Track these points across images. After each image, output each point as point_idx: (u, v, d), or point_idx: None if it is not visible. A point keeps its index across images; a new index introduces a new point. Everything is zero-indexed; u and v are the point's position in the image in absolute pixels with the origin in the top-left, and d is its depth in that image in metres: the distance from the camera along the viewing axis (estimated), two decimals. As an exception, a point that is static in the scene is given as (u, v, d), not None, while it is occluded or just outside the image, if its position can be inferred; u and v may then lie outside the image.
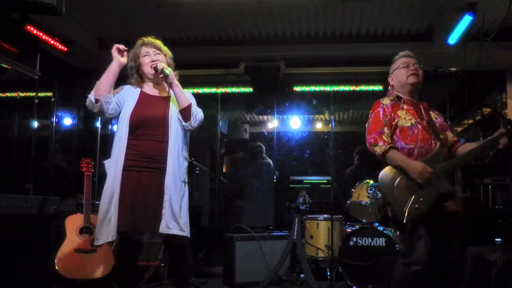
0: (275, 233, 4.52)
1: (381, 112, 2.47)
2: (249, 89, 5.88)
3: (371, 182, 4.20)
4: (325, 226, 4.28)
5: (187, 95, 2.52)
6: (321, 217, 4.38)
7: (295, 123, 7.03)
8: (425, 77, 2.55)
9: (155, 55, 2.55)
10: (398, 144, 2.42)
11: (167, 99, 2.51)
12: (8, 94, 5.10)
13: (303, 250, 4.19)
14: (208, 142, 7.13)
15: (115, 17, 4.54)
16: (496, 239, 3.43)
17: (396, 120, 2.45)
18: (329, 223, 4.19)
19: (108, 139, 5.74)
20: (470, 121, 5.58)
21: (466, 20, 4.01)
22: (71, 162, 5.55)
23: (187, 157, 2.57)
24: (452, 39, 4.38)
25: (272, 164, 6.06)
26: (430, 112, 2.54)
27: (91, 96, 2.39)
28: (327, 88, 5.84)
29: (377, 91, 5.58)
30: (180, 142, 2.48)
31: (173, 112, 2.48)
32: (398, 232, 3.80)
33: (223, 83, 5.91)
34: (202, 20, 4.62)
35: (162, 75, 2.47)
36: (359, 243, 3.90)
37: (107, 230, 2.31)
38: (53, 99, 5.32)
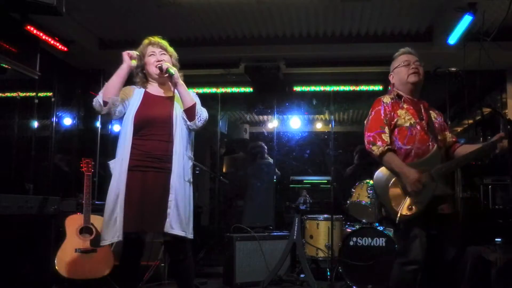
0: (275, 233, 4.52)
1: (382, 111, 2.45)
2: (249, 89, 5.88)
3: (371, 182, 4.16)
4: (325, 226, 4.28)
5: (191, 95, 2.52)
6: (321, 217, 4.38)
7: (295, 123, 7.03)
8: (425, 77, 2.53)
9: (160, 55, 2.55)
10: (395, 144, 2.41)
11: (171, 99, 2.52)
12: (8, 94, 5.09)
13: (303, 250, 4.19)
14: (208, 142, 7.14)
15: (115, 17, 4.54)
16: (496, 239, 3.43)
17: (395, 120, 2.43)
18: (329, 223, 4.19)
19: (108, 139, 5.75)
20: (470, 121, 5.58)
21: (466, 20, 4.01)
22: (71, 162, 5.55)
23: (192, 157, 2.57)
24: (452, 39, 4.38)
25: (272, 163, 6.06)
26: (430, 112, 2.52)
27: (99, 99, 2.39)
28: (327, 88, 5.85)
29: (377, 91, 5.58)
30: (185, 141, 2.49)
31: (178, 112, 2.49)
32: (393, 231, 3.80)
33: (223, 83, 5.92)
34: (202, 20, 4.62)
35: (167, 75, 2.47)
36: (359, 243, 3.90)
37: (113, 231, 2.31)
38: (53, 99, 5.32)
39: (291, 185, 5.58)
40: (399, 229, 2.36)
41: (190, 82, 2.53)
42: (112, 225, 2.32)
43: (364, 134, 2.47)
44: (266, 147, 6.19)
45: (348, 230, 4.31)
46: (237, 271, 4.07)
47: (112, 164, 2.44)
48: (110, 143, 5.75)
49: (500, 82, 5.46)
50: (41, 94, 5.16)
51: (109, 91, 2.38)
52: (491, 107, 2.88)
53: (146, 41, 2.59)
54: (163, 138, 2.43)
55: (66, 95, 5.59)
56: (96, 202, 4.23)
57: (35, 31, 4.05)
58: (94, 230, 3.53)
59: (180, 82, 2.48)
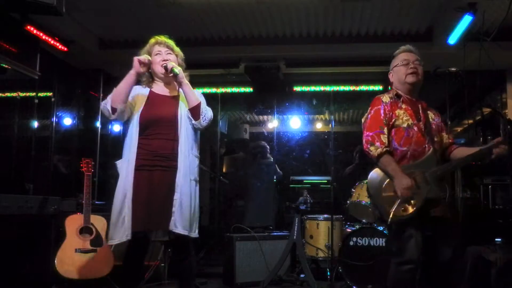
0: (275, 233, 4.52)
1: (382, 110, 2.42)
2: (249, 89, 5.89)
3: (371, 182, 4.19)
4: (325, 226, 4.28)
5: (196, 94, 2.53)
6: (321, 217, 4.38)
7: (295, 123, 7.03)
8: (425, 77, 2.50)
9: (166, 54, 2.56)
10: (392, 145, 2.39)
11: (176, 98, 2.53)
12: (8, 94, 5.09)
13: (303, 250, 4.19)
14: (208, 142, 7.13)
15: (115, 17, 4.54)
16: (496, 239, 3.43)
17: (393, 120, 2.41)
18: (329, 223, 4.19)
19: (108, 139, 5.75)
20: (470, 121, 5.58)
21: (466, 20, 4.01)
22: (71, 162, 5.55)
23: (198, 155, 2.58)
24: (452, 39, 4.38)
25: (273, 163, 6.06)
26: (428, 112, 2.49)
27: (107, 105, 2.41)
28: (327, 88, 5.85)
29: (377, 91, 5.58)
30: (190, 140, 2.50)
31: (183, 111, 2.50)
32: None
33: (223, 83, 5.92)
34: (202, 20, 4.62)
35: (171, 74, 2.48)
36: (359, 243, 3.90)
37: (121, 230, 2.32)
38: (53, 99, 5.32)
39: (291, 185, 5.58)
40: (391, 230, 2.37)
41: (190, 82, 2.53)
42: (120, 225, 2.33)
43: (363, 133, 2.45)
44: (268, 146, 6.19)
45: (348, 230, 4.31)
46: (237, 271, 4.08)
47: (119, 164, 2.46)
48: (110, 143, 5.76)
49: (500, 82, 5.46)
50: (41, 94, 5.17)
51: (117, 98, 2.40)
52: (491, 107, 2.89)
53: (152, 40, 2.60)
54: (168, 137, 2.44)
55: (66, 95, 5.59)
56: (96, 202, 4.23)
57: (35, 31, 4.05)
58: (94, 230, 3.52)
59: (185, 81, 2.48)
